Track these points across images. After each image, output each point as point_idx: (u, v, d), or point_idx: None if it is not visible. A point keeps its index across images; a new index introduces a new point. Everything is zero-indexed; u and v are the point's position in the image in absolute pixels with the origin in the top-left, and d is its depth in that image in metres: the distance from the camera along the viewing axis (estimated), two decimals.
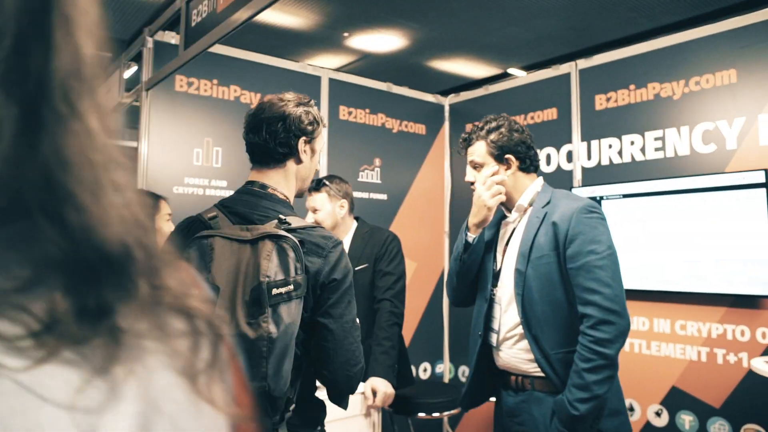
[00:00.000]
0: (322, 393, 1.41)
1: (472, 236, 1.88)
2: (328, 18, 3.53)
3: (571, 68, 3.42)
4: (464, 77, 4.61)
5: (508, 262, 1.87)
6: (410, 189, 3.97)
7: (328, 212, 2.60)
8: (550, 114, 3.54)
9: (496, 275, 1.89)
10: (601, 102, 3.27)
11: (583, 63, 3.37)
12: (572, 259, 1.71)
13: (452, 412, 2.88)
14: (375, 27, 3.59)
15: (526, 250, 1.79)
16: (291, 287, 1.23)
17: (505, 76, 6.48)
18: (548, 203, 1.83)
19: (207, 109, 3.07)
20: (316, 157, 1.50)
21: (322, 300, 1.32)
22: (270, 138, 1.39)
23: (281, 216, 1.34)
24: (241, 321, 1.20)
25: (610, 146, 3.22)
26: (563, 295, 1.73)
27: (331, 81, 3.58)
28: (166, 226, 2.24)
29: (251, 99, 3.22)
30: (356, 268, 2.55)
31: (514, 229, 1.90)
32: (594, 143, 3.30)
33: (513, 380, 1.83)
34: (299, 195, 1.53)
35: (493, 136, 1.89)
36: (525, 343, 1.78)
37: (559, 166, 3.47)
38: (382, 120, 3.84)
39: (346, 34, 3.76)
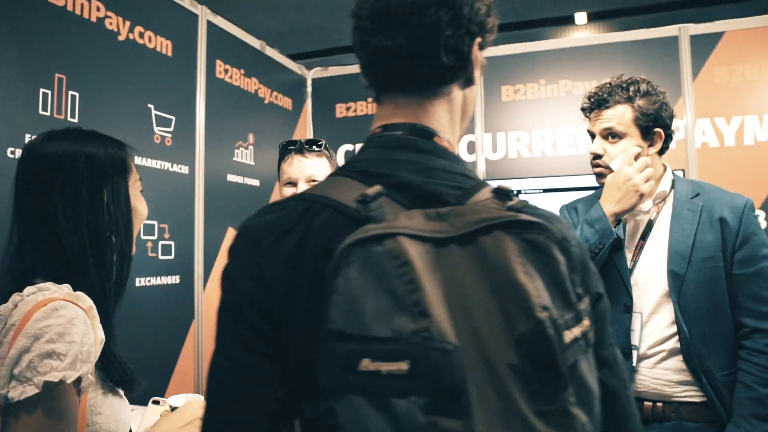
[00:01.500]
0: None
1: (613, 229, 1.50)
2: None
3: None
4: None
5: (648, 261, 1.54)
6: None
7: None
8: None
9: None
10: (508, 93, 3.18)
11: (487, 52, 3.22)
12: (743, 264, 1.47)
13: None
14: None
15: (685, 249, 1.49)
16: (586, 323, 0.59)
17: None
18: (698, 194, 1.55)
19: (59, 28, 1.91)
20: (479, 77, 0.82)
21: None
22: (429, 39, 0.70)
23: (501, 186, 0.66)
24: (528, 413, 0.53)
25: (519, 139, 3.15)
26: (728, 307, 1.48)
27: (210, 25, 2.65)
28: (141, 201, 1.22)
29: (119, 26, 2.14)
30: None
31: (650, 222, 1.57)
32: (500, 135, 3.19)
33: (648, 408, 1.50)
34: None
35: (643, 102, 1.52)
36: (673, 362, 1.48)
37: None
38: (255, 86, 3.04)
39: None
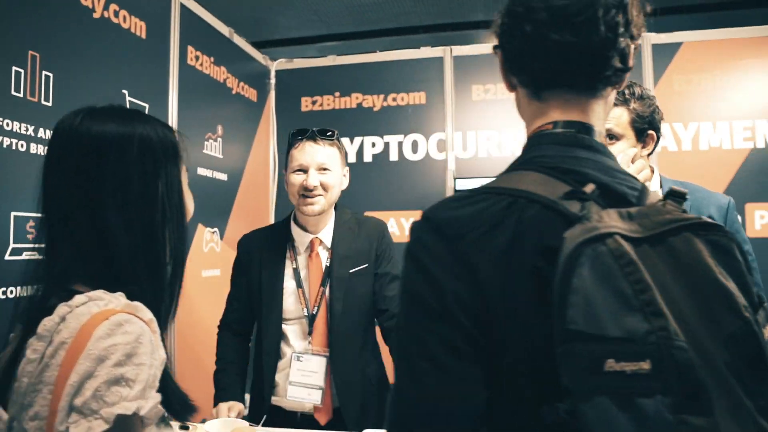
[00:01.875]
0: None
1: None
2: None
3: (444, 53, 3.25)
4: None
5: None
6: (245, 170, 3.12)
7: (338, 178, 1.79)
8: (418, 98, 3.29)
9: None
10: (478, 92, 3.21)
11: (458, 50, 3.25)
12: None
13: None
14: None
15: None
16: None
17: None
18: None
19: (33, 3, 1.72)
20: None
21: None
22: (610, 39, 0.70)
23: (674, 188, 0.68)
24: (753, 411, 0.54)
25: (489, 138, 3.19)
26: None
27: (182, 8, 2.49)
28: (190, 196, 1.08)
29: (93, 2, 1.96)
30: (352, 270, 1.83)
31: None
32: (470, 134, 3.21)
33: None
34: None
35: (638, 105, 1.58)
36: None
37: (428, 155, 3.26)
38: (224, 75, 2.89)
39: None
